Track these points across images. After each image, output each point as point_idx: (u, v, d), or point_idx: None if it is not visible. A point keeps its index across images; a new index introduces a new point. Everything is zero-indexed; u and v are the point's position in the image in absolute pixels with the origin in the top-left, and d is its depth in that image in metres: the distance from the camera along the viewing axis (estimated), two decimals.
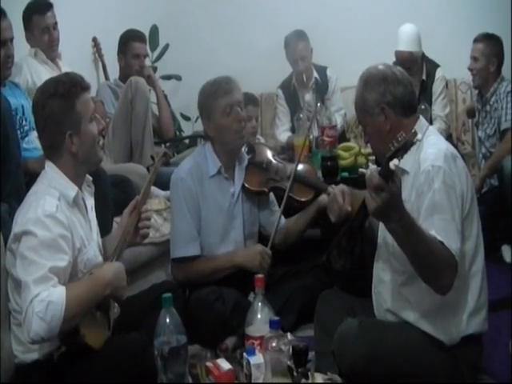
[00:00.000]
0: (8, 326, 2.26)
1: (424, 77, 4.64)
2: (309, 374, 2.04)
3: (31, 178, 2.54)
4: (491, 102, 4.22)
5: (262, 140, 4.52)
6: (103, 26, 4.86)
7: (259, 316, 2.24)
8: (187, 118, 5.51)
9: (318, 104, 4.27)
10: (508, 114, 4.08)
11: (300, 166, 3.35)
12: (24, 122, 3.33)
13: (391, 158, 1.85)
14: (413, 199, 2.19)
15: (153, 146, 4.08)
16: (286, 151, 4.41)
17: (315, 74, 4.83)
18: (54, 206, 2.19)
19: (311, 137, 4.04)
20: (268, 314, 2.23)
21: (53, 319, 2.02)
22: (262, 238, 3.22)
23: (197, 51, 5.45)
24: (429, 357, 2.20)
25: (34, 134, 3.18)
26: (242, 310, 2.57)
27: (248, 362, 2.09)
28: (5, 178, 2.80)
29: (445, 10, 5.07)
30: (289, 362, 2.03)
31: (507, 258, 3.91)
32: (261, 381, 2.09)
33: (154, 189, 3.54)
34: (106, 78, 4.85)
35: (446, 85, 4.78)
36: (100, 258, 2.40)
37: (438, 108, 4.63)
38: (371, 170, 2.16)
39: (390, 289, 2.32)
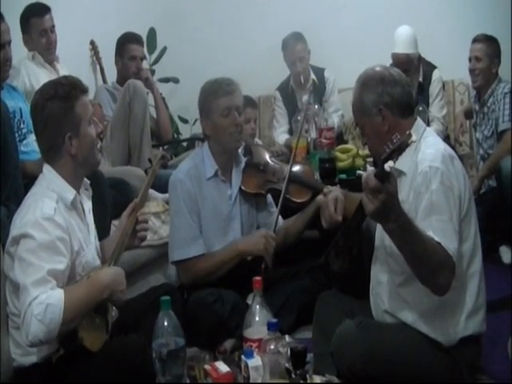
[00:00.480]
0: (6, 329, 2.26)
1: (421, 78, 4.65)
2: (307, 375, 2.03)
3: (29, 180, 2.54)
4: (489, 104, 4.22)
5: (260, 142, 4.52)
6: (101, 29, 4.86)
7: (257, 318, 2.24)
8: (185, 121, 5.52)
9: (316, 106, 4.28)
10: (505, 115, 4.09)
11: (297, 167, 3.36)
12: (22, 125, 3.33)
13: (386, 160, 1.85)
14: (410, 200, 2.19)
15: (151, 149, 4.09)
16: (285, 153, 4.40)
17: (313, 76, 4.83)
18: (52, 208, 2.20)
19: (309, 139, 4.05)
20: (266, 316, 2.23)
21: (51, 322, 2.02)
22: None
23: (195, 54, 5.45)
24: (427, 358, 2.20)
25: (32, 137, 3.18)
26: (241, 312, 2.57)
27: (246, 365, 2.09)
28: (3, 180, 2.81)
29: (442, 12, 5.07)
30: (287, 364, 2.03)
31: (505, 259, 3.91)
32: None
33: (152, 191, 3.54)
34: (104, 81, 4.85)
35: (444, 86, 4.78)
36: (98, 261, 2.41)
37: (435, 109, 4.63)
38: (368, 172, 2.16)
39: (388, 290, 2.32)
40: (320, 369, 2.38)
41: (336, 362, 2.27)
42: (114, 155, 4.01)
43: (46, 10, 3.86)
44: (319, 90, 4.79)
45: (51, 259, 2.11)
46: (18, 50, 3.70)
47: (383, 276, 2.35)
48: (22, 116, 3.32)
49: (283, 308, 2.97)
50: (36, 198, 2.24)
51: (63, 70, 3.94)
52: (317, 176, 3.61)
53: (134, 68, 4.44)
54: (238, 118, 3.03)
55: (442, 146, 2.29)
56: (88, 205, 2.47)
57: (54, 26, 3.90)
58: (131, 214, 2.49)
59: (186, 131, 5.51)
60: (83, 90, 2.32)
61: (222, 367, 2.14)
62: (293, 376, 2.01)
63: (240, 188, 3.15)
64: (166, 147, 4.79)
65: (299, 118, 4.20)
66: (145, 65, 4.78)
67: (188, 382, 2.21)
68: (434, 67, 4.68)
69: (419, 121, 2.36)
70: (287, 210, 3.22)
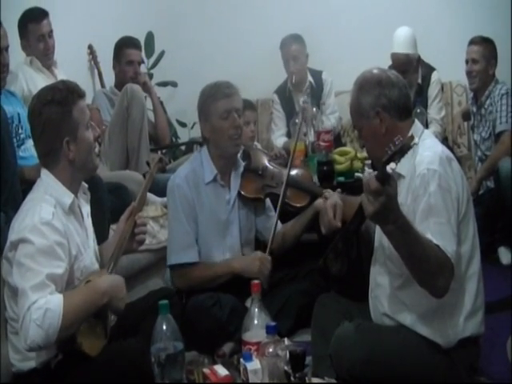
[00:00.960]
0: (5, 334, 2.26)
1: (420, 80, 4.65)
2: (306, 378, 2.03)
3: (28, 185, 2.54)
4: (486, 105, 4.23)
5: (259, 146, 4.52)
6: (99, 34, 4.87)
7: (256, 321, 2.23)
8: (183, 125, 5.52)
9: (314, 108, 4.28)
10: (503, 116, 4.09)
11: (295, 171, 3.35)
12: (20, 130, 3.33)
13: (388, 162, 1.85)
14: (409, 202, 2.20)
15: (149, 153, 4.08)
16: (284, 156, 4.40)
17: (310, 78, 4.84)
18: (50, 213, 2.20)
19: (307, 141, 4.05)
20: (265, 319, 2.23)
21: (50, 327, 2.02)
22: (259, 244, 3.22)
23: (193, 58, 5.46)
24: (426, 360, 2.20)
25: (30, 142, 3.18)
26: (239, 315, 2.57)
27: (245, 368, 2.08)
28: (1, 186, 2.81)
29: (441, 14, 5.08)
30: (286, 367, 2.02)
31: (504, 260, 3.91)
32: None
33: (150, 195, 3.55)
34: (102, 85, 4.85)
35: (442, 88, 4.78)
36: (96, 265, 2.41)
37: (434, 111, 4.64)
38: (368, 174, 2.16)
39: (387, 292, 2.32)
40: (319, 371, 2.38)
41: (335, 364, 2.27)
42: (112, 159, 4.01)
43: (43, 15, 3.86)
44: (317, 93, 4.79)
45: (50, 264, 2.12)
46: (16, 55, 3.70)
47: (382, 278, 2.35)
48: (20, 121, 3.32)
49: (282, 311, 2.97)
50: (34, 203, 2.24)
51: (61, 74, 3.94)
52: (315, 179, 3.60)
53: (131, 72, 4.44)
54: (238, 120, 3.03)
55: (440, 148, 2.29)
56: (86, 209, 2.47)
57: (51, 31, 3.90)
58: (129, 218, 2.49)
59: (184, 135, 5.52)
60: (80, 95, 2.32)
61: (221, 371, 2.14)
62: (292, 379, 2.00)
63: (238, 192, 3.15)
64: (164, 151, 4.79)
65: (297, 120, 4.20)
66: (143, 69, 4.78)
67: None
68: (433, 69, 4.69)
69: (417, 123, 2.37)
70: (286, 214, 3.21)
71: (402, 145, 1.85)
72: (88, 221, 2.46)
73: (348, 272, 2.48)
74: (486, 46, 4.22)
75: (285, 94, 4.89)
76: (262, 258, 2.99)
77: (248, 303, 2.67)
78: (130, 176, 3.73)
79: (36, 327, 2.00)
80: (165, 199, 3.41)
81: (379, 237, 2.33)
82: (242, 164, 3.23)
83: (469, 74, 4.28)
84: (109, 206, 3.17)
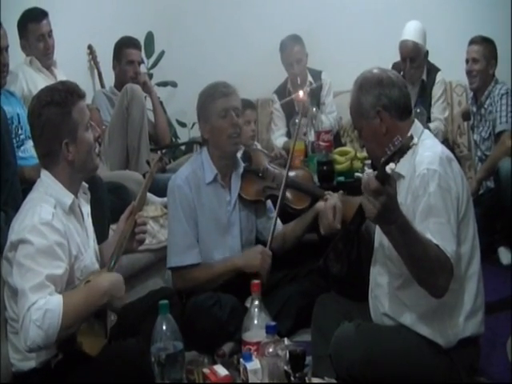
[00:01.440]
0: (5, 334, 2.26)
1: (424, 76, 4.65)
2: (306, 378, 2.03)
3: (28, 186, 2.54)
4: (486, 105, 4.23)
5: (259, 146, 4.53)
6: (99, 34, 4.87)
7: (256, 321, 2.23)
8: (183, 125, 5.52)
9: (314, 109, 4.29)
10: (502, 116, 4.09)
11: (296, 173, 3.35)
12: (20, 131, 3.33)
13: (387, 162, 1.85)
14: (408, 202, 2.20)
15: (149, 153, 4.08)
16: (284, 156, 4.40)
17: (310, 78, 4.84)
18: (50, 213, 2.20)
19: (307, 141, 4.05)
20: (265, 319, 2.23)
21: (50, 327, 2.02)
22: (260, 244, 3.21)
23: (192, 57, 5.46)
24: (426, 360, 2.20)
25: (30, 143, 3.18)
26: (239, 315, 2.57)
27: (245, 368, 2.08)
28: (1, 186, 2.80)
29: (440, 14, 5.08)
30: (286, 367, 2.02)
31: (504, 260, 3.91)
32: None
33: (150, 195, 3.55)
34: (102, 85, 4.85)
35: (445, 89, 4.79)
36: (97, 265, 2.41)
37: (438, 111, 4.64)
38: (368, 174, 2.16)
39: (387, 292, 2.32)
40: (319, 371, 2.38)
41: (335, 364, 2.27)
42: (112, 159, 4.01)
43: (43, 15, 3.86)
44: (316, 93, 4.79)
45: (49, 264, 2.12)
46: (16, 55, 3.70)
47: (382, 278, 2.35)
48: (19, 122, 3.32)
49: (282, 311, 2.97)
50: (34, 204, 2.24)
51: (61, 74, 3.94)
52: (315, 178, 3.60)
53: (131, 72, 4.44)
54: (236, 119, 3.04)
55: (440, 148, 2.29)
56: (86, 209, 2.47)
57: (51, 31, 3.90)
58: (129, 217, 2.49)
59: (184, 135, 5.52)
60: (80, 95, 2.32)
61: (221, 371, 2.14)
62: (292, 379, 2.01)
63: (239, 195, 3.14)
64: (164, 151, 4.79)
65: (297, 120, 4.20)
66: (143, 69, 4.78)
67: None
68: (438, 69, 4.69)
69: (417, 123, 2.36)
70: (286, 216, 3.21)
71: (401, 145, 1.85)
72: (88, 221, 2.47)
73: (348, 272, 2.48)
74: (486, 46, 4.23)
75: (284, 94, 4.89)
76: (263, 251, 3.00)
77: (248, 303, 2.67)
78: (130, 176, 3.73)
79: (36, 328, 2.00)
80: (165, 199, 3.41)
81: (379, 237, 2.33)
82: (243, 165, 3.23)
83: (469, 73, 4.28)
84: (109, 206, 3.17)
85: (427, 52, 4.60)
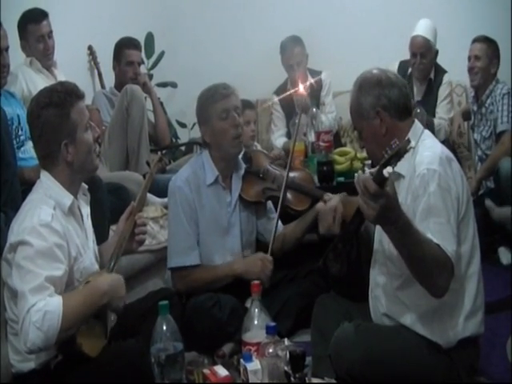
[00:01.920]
0: (5, 335, 2.26)
1: (432, 75, 4.65)
2: (306, 379, 2.03)
3: (27, 187, 2.54)
4: (487, 105, 4.23)
5: (259, 147, 4.52)
6: (99, 35, 4.87)
7: (256, 322, 2.23)
8: (183, 125, 5.52)
9: (314, 109, 4.29)
10: (504, 116, 4.10)
11: (297, 174, 3.34)
12: (20, 132, 3.32)
13: (385, 166, 1.85)
14: (408, 202, 2.20)
15: (149, 154, 4.08)
16: (284, 157, 4.40)
17: (310, 79, 4.83)
18: (50, 215, 2.20)
19: (307, 142, 4.05)
20: (265, 319, 2.23)
21: (50, 329, 2.02)
22: (260, 245, 3.21)
23: (193, 58, 5.47)
24: (426, 360, 2.19)
25: (30, 144, 3.18)
26: (239, 316, 2.57)
27: (245, 368, 2.08)
28: (1, 187, 2.80)
29: (441, 14, 5.07)
30: (286, 368, 2.02)
31: (504, 260, 3.91)
32: None
33: (150, 196, 3.55)
34: (102, 86, 4.86)
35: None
36: (96, 266, 2.41)
37: (442, 111, 4.64)
38: (360, 175, 2.16)
39: (387, 293, 2.32)
40: (319, 372, 2.38)
41: (334, 364, 2.27)
42: (111, 160, 4.01)
43: (43, 15, 3.86)
44: (316, 93, 4.80)
45: (49, 266, 2.11)
46: (16, 55, 3.70)
47: (382, 278, 2.35)
48: (19, 123, 3.31)
49: (282, 311, 2.97)
50: (33, 205, 2.24)
51: (61, 75, 3.94)
52: (315, 179, 3.60)
53: (131, 73, 4.44)
54: (237, 119, 3.02)
55: (440, 148, 2.29)
56: (86, 210, 2.47)
57: (51, 32, 3.90)
58: (129, 218, 2.49)
59: (184, 136, 5.51)
60: (79, 96, 2.32)
61: (221, 371, 2.14)
62: (292, 379, 2.01)
63: (239, 195, 3.14)
64: (164, 152, 4.78)
65: (297, 121, 4.20)
66: (143, 69, 4.78)
67: None
68: (445, 71, 4.69)
69: (417, 123, 2.36)
70: (286, 217, 3.21)
71: (398, 148, 1.85)
72: (88, 222, 2.46)
73: (347, 272, 2.48)
74: (489, 45, 4.25)
75: None
76: (264, 258, 2.99)
77: (248, 304, 2.68)
78: (129, 176, 3.73)
79: (36, 330, 2.00)
80: (165, 200, 3.41)
81: (379, 237, 2.33)
82: (244, 166, 3.22)
83: (470, 70, 4.29)
84: (109, 207, 3.16)
85: (437, 52, 4.61)
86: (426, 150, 2.24)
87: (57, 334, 2.02)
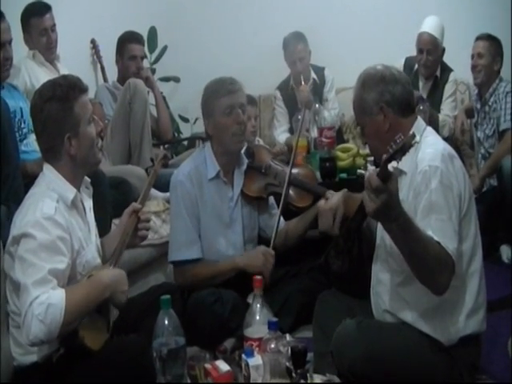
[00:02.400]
0: (6, 328, 2.26)
1: (438, 73, 4.65)
2: (307, 375, 2.04)
3: (30, 180, 2.54)
4: (490, 103, 4.23)
5: (261, 142, 4.52)
6: (102, 28, 4.87)
7: (258, 317, 2.24)
8: (186, 120, 5.52)
9: (317, 105, 4.29)
10: (507, 114, 4.10)
11: (299, 170, 3.33)
12: (22, 125, 3.33)
13: (389, 161, 1.85)
14: (410, 199, 2.19)
15: (151, 148, 4.08)
16: (286, 153, 4.40)
17: (313, 75, 4.84)
18: (53, 208, 2.20)
19: (309, 138, 4.05)
20: (267, 315, 2.24)
21: (52, 322, 2.02)
22: (262, 241, 3.21)
23: (195, 53, 5.45)
24: (427, 357, 2.20)
25: (33, 137, 3.18)
26: (241, 311, 2.57)
27: (247, 364, 2.09)
28: (3, 180, 2.81)
29: (443, 12, 5.06)
30: (287, 364, 2.03)
31: (506, 258, 3.91)
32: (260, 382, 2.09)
33: (152, 190, 3.54)
34: (105, 79, 4.86)
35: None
36: (98, 260, 2.40)
37: (447, 108, 4.64)
38: (370, 171, 2.16)
39: (388, 289, 2.32)
40: (320, 368, 2.39)
41: (336, 361, 2.27)
42: (114, 154, 4.01)
43: (46, 9, 3.86)
44: (319, 89, 4.80)
45: (52, 259, 2.12)
46: (19, 49, 3.70)
47: (383, 275, 2.35)
48: (22, 116, 3.32)
49: (283, 307, 2.96)
50: (36, 198, 2.24)
51: (64, 68, 3.94)
52: (317, 175, 3.60)
53: (134, 67, 4.43)
54: (241, 116, 3.01)
55: (442, 145, 2.29)
56: (89, 203, 2.47)
57: (54, 25, 3.90)
58: (132, 214, 2.49)
59: (186, 130, 5.51)
60: (82, 90, 2.31)
61: (223, 366, 2.15)
62: (293, 375, 2.02)
63: (241, 191, 3.13)
64: (166, 146, 4.79)
65: (299, 117, 4.20)
66: (145, 64, 4.78)
67: (188, 381, 2.21)
68: (451, 70, 4.69)
69: (420, 120, 2.36)
70: (288, 213, 3.20)
71: (402, 143, 1.85)
72: (90, 215, 2.47)
73: (349, 269, 2.48)
74: (492, 43, 4.25)
75: (287, 91, 4.89)
76: (266, 252, 2.98)
77: (250, 299, 2.68)
78: (132, 171, 3.73)
79: (38, 322, 2.00)
80: (167, 194, 3.41)
81: (381, 234, 2.33)
82: (246, 161, 3.22)
83: (474, 68, 4.29)
84: (111, 201, 3.17)
85: (444, 50, 4.60)
86: (428, 147, 2.24)
87: (59, 327, 2.02)
